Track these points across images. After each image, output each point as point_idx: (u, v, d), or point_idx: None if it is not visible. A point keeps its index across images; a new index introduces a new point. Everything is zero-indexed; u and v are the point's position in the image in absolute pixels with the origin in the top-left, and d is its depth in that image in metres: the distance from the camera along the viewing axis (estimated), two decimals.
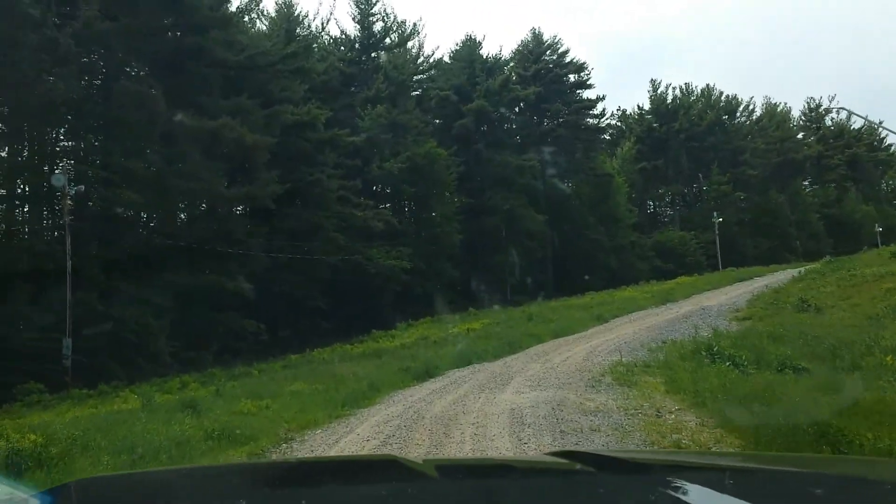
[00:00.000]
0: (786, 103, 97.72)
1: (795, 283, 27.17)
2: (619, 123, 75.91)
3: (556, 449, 7.11)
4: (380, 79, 47.76)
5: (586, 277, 55.54)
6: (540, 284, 56.75)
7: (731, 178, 68.59)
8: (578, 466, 2.05)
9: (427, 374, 16.07)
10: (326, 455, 8.74)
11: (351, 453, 8.72)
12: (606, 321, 25.57)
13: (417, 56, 54.59)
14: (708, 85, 77.06)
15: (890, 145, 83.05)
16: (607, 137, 70.63)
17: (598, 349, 17.90)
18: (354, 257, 38.09)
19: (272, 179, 33.53)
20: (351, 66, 49.79)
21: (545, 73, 59.75)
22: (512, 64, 58.91)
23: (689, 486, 1.66)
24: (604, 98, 61.65)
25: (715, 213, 62.37)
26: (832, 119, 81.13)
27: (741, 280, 36.26)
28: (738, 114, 75.25)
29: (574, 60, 60.55)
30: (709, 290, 33.35)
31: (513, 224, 51.96)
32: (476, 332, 27.73)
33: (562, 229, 56.70)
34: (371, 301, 39.36)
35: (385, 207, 43.27)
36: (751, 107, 76.24)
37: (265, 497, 1.93)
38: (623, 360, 15.22)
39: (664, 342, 17.96)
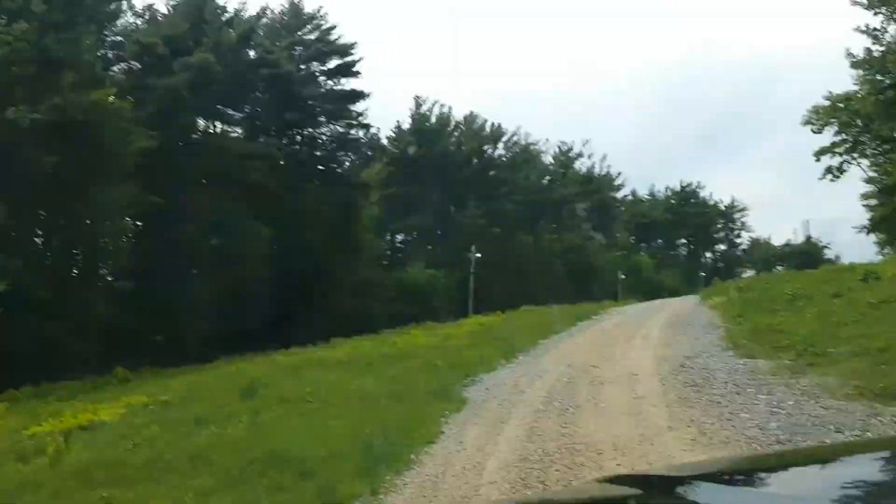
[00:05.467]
0: (546, 139, 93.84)
1: (744, 317, 13.93)
2: (364, 149, 61.94)
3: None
4: None
5: (315, 323, 40.23)
6: (246, 332, 38.99)
7: (487, 213, 59.13)
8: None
9: None
10: None
11: None
12: (465, 403, 9.76)
13: None
14: (471, 111, 67.48)
15: (625, 196, 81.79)
16: (352, 159, 55.46)
17: None
18: None
19: None
20: None
21: (302, 50, 44.22)
22: (248, 26, 40.66)
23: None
24: (368, 96, 46.50)
25: (473, 248, 51.31)
26: (581, 164, 77.37)
27: (580, 319, 23.33)
28: (499, 145, 66.96)
29: (339, 41, 44.94)
30: (557, 332, 19.32)
31: (225, 239, 34.04)
32: (89, 441, 9.87)
33: (288, 254, 39.99)
34: None
35: None
36: (515, 138, 68.37)
37: None
38: None
39: None
